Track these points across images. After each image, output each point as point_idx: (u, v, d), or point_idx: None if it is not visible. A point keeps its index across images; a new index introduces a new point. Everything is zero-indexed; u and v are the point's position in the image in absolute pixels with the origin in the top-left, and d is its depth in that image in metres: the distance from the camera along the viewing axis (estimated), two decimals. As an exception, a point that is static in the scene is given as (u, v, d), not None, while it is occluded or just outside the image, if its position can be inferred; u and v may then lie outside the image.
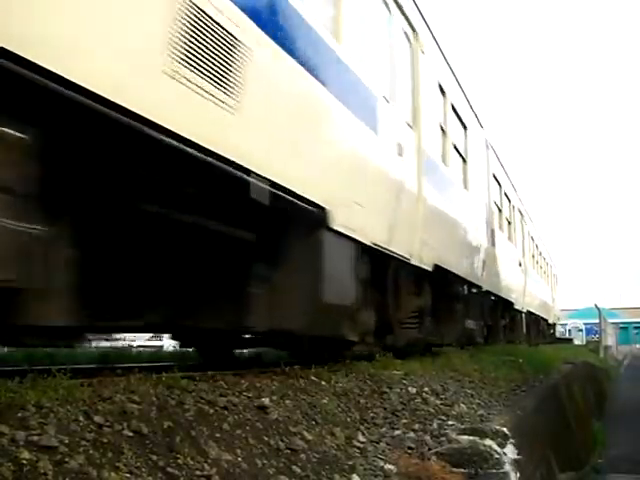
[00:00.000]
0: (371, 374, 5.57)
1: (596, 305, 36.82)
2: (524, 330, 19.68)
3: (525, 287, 19.12)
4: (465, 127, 10.82)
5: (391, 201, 6.62)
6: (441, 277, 8.54)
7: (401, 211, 6.83)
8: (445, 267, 8.45)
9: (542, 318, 26.35)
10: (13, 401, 2.52)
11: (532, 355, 11.61)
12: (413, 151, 7.37)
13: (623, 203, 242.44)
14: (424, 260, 7.54)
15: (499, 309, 15.17)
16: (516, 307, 17.29)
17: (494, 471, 4.00)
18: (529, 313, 20.85)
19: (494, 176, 14.40)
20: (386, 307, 6.83)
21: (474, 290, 11.57)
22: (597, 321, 37.68)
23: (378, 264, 6.39)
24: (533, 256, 22.75)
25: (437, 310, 8.66)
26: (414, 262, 7.20)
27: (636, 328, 70.71)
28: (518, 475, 4.26)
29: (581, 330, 52.05)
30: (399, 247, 6.71)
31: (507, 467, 4.08)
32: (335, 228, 5.04)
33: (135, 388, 3.11)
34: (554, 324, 33.61)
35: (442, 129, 9.15)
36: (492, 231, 13.30)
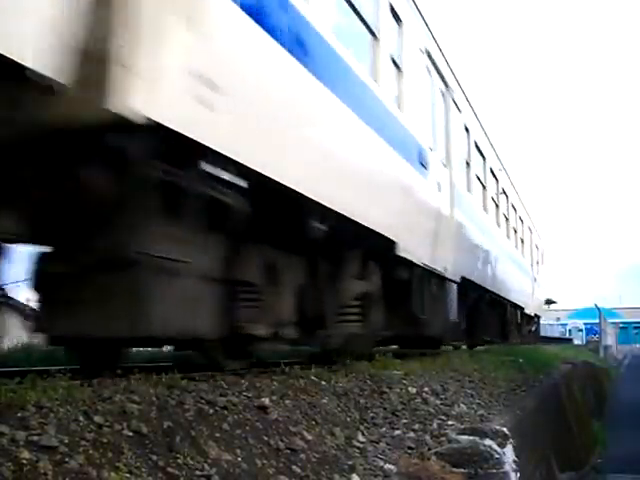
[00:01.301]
0: (371, 374, 5.56)
1: (596, 305, 36.92)
2: (459, 318, 9.90)
3: (460, 234, 10.01)
4: None
5: None
6: None
7: None
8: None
9: (511, 304, 16.42)
10: (13, 401, 2.52)
11: (532, 355, 11.65)
12: None
13: (624, 203, 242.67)
14: None
15: (352, 257, 6.29)
16: (413, 260, 7.29)
17: (494, 471, 4.00)
18: (478, 289, 11.62)
19: None
20: None
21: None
22: (597, 321, 37.76)
23: None
24: (484, 186, 12.84)
25: None
26: None
27: (636, 328, 70.78)
28: (518, 475, 4.26)
29: (581, 330, 52.06)
30: None
31: (507, 467, 4.08)
32: None
33: (135, 388, 3.11)
34: (537, 317, 22.94)
35: None
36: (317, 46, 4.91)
